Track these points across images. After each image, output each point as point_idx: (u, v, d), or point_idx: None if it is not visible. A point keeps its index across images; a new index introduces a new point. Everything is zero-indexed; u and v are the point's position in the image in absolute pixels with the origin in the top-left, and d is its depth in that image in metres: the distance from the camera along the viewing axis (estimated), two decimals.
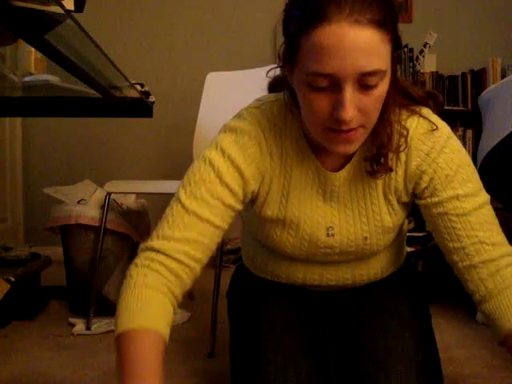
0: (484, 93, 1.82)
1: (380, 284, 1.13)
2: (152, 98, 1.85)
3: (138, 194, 2.20)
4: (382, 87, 0.78)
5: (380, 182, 0.94)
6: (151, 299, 0.82)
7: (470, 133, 3.16)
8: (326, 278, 1.08)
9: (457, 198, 0.89)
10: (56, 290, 2.16)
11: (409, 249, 2.11)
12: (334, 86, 0.75)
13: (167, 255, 0.85)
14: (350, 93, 0.75)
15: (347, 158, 0.94)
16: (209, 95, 2.31)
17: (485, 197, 0.92)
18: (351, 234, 0.98)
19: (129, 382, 0.74)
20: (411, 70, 3.07)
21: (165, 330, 0.81)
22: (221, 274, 1.65)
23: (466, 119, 3.14)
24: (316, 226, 0.97)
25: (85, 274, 1.96)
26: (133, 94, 1.78)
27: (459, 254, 0.90)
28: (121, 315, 0.80)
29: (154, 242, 0.87)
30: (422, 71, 3.12)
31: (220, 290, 1.64)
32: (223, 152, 0.89)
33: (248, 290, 1.19)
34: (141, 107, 1.86)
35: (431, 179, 0.91)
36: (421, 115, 0.92)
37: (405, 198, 0.96)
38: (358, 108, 0.77)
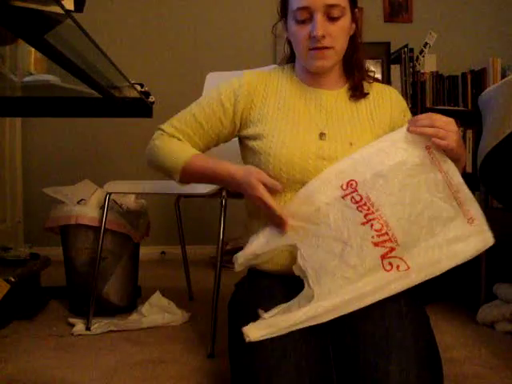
0: (484, 93, 1.81)
1: None
2: (152, 98, 1.85)
3: (138, 194, 2.20)
4: (344, 22, 1.16)
5: (364, 109, 1.24)
6: (177, 143, 1.26)
7: (469, 133, 3.16)
8: None
9: None
10: (56, 290, 2.16)
11: None
12: (310, 18, 1.13)
13: (169, 134, 1.27)
14: (319, 19, 1.12)
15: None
16: None
17: None
18: (338, 143, 1.18)
19: (218, 166, 1.19)
20: (411, 69, 3.07)
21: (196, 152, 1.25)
22: (221, 275, 1.65)
23: (465, 119, 3.14)
24: (308, 129, 1.19)
25: (84, 274, 1.96)
26: (132, 94, 1.77)
27: None
28: (169, 159, 1.22)
29: (165, 125, 1.28)
30: (422, 71, 3.11)
31: (220, 290, 1.64)
32: (228, 81, 1.27)
33: (248, 293, 1.20)
34: (140, 107, 1.86)
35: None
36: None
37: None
38: (327, 33, 1.13)
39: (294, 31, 1.18)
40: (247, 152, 1.26)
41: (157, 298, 2.01)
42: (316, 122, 1.21)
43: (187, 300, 2.22)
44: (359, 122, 1.22)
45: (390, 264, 1.07)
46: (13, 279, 1.79)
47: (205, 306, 1.92)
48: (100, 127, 3.13)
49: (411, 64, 3.07)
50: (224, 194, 1.66)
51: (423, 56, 3.09)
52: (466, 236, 1.08)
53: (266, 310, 1.08)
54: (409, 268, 1.07)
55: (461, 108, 3.15)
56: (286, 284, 1.16)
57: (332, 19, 1.14)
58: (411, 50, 3.07)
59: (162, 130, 1.28)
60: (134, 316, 1.93)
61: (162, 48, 3.26)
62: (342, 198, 1.07)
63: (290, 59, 1.32)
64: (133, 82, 1.71)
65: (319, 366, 1.02)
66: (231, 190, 1.24)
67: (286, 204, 1.15)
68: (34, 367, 1.48)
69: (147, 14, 3.25)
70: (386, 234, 1.05)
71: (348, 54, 1.24)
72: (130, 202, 2.12)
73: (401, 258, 1.07)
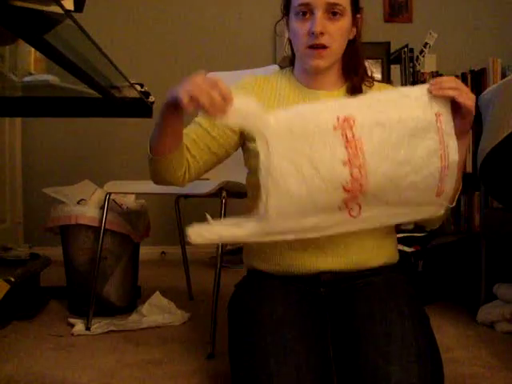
0: (484, 93, 1.81)
1: (377, 282, 1.16)
2: (152, 98, 1.85)
3: (138, 194, 2.20)
4: (343, 22, 1.17)
5: None
6: None
7: (470, 133, 3.16)
8: None
9: None
10: (56, 290, 2.16)
11: (409, 249, 2.11)
12: (311, 15, 1.16)
13: None
14: (320, 16, 1.15)
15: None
16: None
17: None
18: None
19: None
20: (411, 69, 3.07)
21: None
22: (221, 275, 1.65)
23: None
24: None
25: (84, 274, 1.96)
26: (132, 94, 1.78)
27: None
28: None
29: None
30: (422, 71, 3.11)
31: (220, 290, 1.64)
32: None
33: (248, 294, 1.21)
34: (140, 107, 1.86)
35: None
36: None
37: None
38: (325, 30, 1.15)
39: (294, 27, 1.20)
40: (248, 154, 1.27)
41: (157, 298, 2.01)
42: None
43: (187, 300, 2.22)
44: None
45: (346, 205, 1.01)
46: (13, 279, 1.79)
47: (205, 306, 1.92)
48: (100, 127, 3.13)
49: (411, 64, 3.07)
50: (224, 193, 1.66)
51: (423, 56, 3.09)
52: (425, 203, 1.08)
53: (267, 311, 1.08)
54: (360, 215, 1.02)
55: None
56: (286, 284, 1.16)
57: (332, 19, 1.15)
58: (411, 50, 3.07)
59: None
60: (134, 316, 1.93)
61: (162, 48, 3.26)
62: (334, 128, 0.97)
63: (291, 61, 1.33)
64: (133, 81, 1.71)
65: (319, 367, 1.02)
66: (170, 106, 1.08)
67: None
68: (34, 367, 1.48)
69: (147, 13, 3.25)
70: (361, 185, 0.97)
71: (347, 57, 1.25)
72: (130, 201, 2.12)
73: (358, 205, 1.02)
